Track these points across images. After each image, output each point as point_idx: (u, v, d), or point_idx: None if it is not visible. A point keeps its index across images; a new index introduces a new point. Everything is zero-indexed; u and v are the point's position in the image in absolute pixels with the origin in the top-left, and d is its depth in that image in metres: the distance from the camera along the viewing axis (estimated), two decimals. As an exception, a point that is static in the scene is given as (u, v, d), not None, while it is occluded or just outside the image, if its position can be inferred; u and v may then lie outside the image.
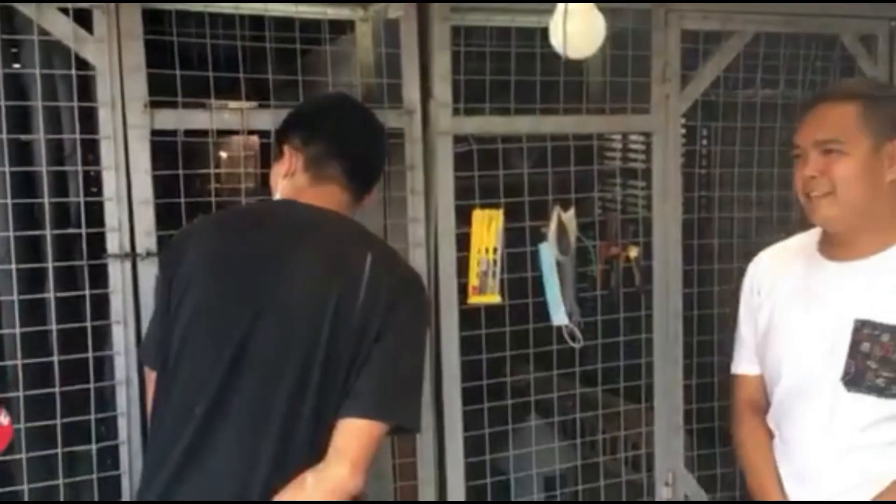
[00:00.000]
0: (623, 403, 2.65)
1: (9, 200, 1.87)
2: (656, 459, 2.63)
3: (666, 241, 2.57)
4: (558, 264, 2.35)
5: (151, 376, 1.64)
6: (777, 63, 2.63)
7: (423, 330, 1.59)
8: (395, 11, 2.14)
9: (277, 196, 1.68)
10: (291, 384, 1.46)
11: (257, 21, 2.25)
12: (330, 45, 2.31)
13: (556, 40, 1.77)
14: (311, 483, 1.42)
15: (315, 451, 1.45)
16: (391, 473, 2.44)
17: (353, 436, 1.44)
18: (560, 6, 1.72)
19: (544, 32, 2.36)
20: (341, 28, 2.37)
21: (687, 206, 2.61)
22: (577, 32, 1.70)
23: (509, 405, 2.46)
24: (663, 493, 2.61)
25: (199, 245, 1.57)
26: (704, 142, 2.98)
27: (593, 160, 2.51)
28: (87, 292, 1.94)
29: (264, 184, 2.64)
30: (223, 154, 2.78)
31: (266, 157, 2.66)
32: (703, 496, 2.66)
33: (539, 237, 2.38)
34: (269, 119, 2.13)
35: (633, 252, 2.51)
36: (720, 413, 2.59)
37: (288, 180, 1.66)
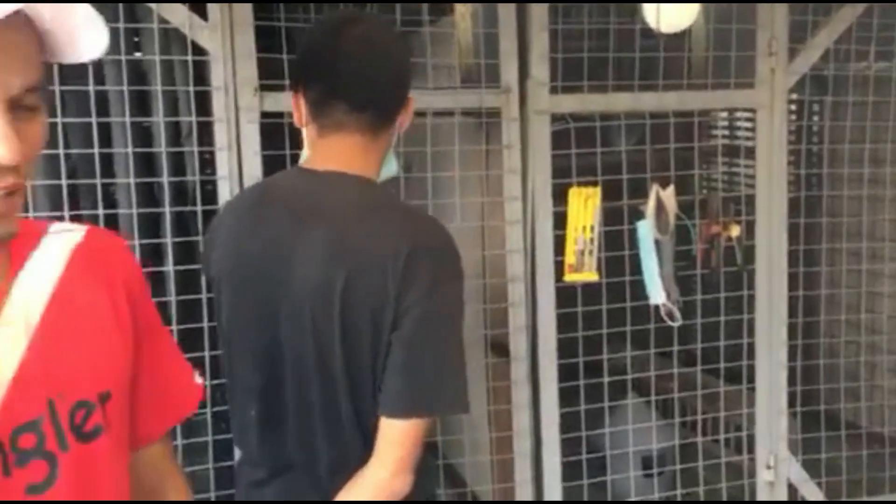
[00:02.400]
0: (723, 384, 2.62)
1: (132, 180, 2.00)
2: (757, 442, 2.59)
3: (770, 219, 2.51)
4: (657, 243, 2.34)
5: None
6: (893, 34, 2.52)
7: (449, 301, 1.34)
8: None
9: (303, 154, 1.52)
10: (323, 385, 1.36)
11: (359, 5, 2.32)
12: (430, 26, 2.36)
13: (649, 15, 1.74)
14: (355, 489, 1.34)
15: (367, 451, 1.35)
16: (488, 446, 2.50)
17: (390, 436, 1.32)
18: (653, -21, 1.69)
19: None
20: (441, 10, 2.41)
21: (794, 183, 2.54)
22: (671, 5, 1.66)
23: (606, 383, 2.47)
24: (764, 475, 2.57)
25: (223, 242, 1.46)
26: (816, 118, 2.88)
27: (694, 137, 2.48)
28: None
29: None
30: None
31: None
32: (807, 480, 2.60)
33: (637, 215, 2.37)
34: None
35: (735, 231, 2.46)
36: (827, 396, 2.53)
37: (306, 135, 1.47)
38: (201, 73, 2.08)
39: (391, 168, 1.51)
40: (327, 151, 1.41)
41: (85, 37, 0.80)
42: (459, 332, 1.36)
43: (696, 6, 1.75)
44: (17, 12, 0.74)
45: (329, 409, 1.36)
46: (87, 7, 0.77)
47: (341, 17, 1.53)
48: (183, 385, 1.06)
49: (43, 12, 0.76)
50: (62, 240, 0.93)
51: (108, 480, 0.90)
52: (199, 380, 1.08)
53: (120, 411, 0.93)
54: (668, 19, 1.67)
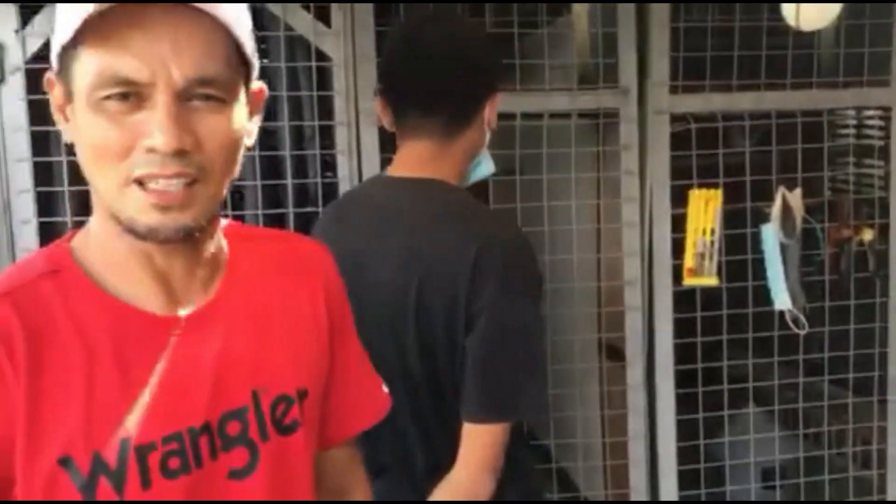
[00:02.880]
0: (852, 395, 2.50)
1: (258, 182, 2.07)
2: (889, 457, 2.45)
3: (906, 223, 2.38)
4: (782, 247, 2.25)
5: None
6: None
7: (522, 303, 1.31)
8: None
9: None
10: (407, 390, 1.35)
11: (476, 7, 2.33)
12: (546, 27, 2.35)
13: (787, 11, 1.66)
14: (439, 492, 1.33)
15: (456, 454, 1.33)
16: (601, 452, 2.46)
17: (471, 440, 1.31)
18: (792, -23, 1.62)
19: (771, 5, 2.26)
20: (557, 10, 2.40)
21: (931, 185, 2.40)
22: (811, 3, 1.59)
23: (725, 390, 2.39)
24: (896, 493, 2.44)
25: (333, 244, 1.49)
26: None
27: (823, 137, 2.37)
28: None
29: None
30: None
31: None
32: (944, 501, 2.45)
33: (761, 218, 2.29)
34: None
35: (868, 235, 2.34)
36: (968, 411, 2.37)
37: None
38: (323, 78, 2.14)
39: (483, 169, 1.48)
40: (405, 157, 1.42)
41: (245, 28, 0.83)
42: (535, 332, 1.33)
43: (837, 4, 1.66)
44: (188, 6, 0.77)
45: (416, 413, 1.37)
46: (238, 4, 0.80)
47: (417, 20, 1.52)
48: (371, 393, 1.09)
49: (215, 9, 0.78)
50: (266, 243, 0.98)
51: (301, 474, 0.95)
52: (386, 390, 1.11)
53: (314, 410, 0.97)
54: (808, 17, 1.60)
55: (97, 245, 0.86)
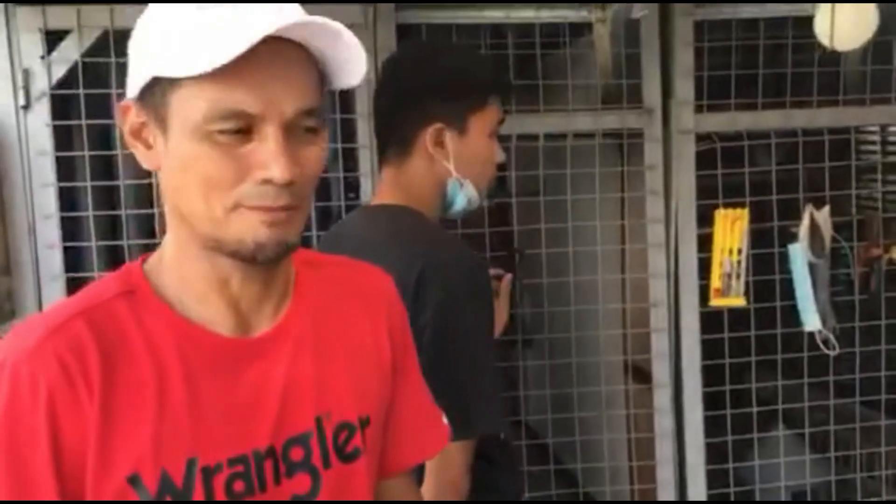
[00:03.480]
0: (884, 417, 2.45)
1: (281, 205, 2.07)
2: (923, 481, 2.40)
3: (937, 241, 2.34)
4: (811, 266, 2.21)
5: None
6: None
7: (463, 319, 1.31)
8: (638, 11, 2.13)
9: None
10: None
11: (498, 28, 2.33)
12: (569, 47, 2.34)
13: (822, 32, 1.65)
14: None
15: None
16: (628, 475, 2.43)
17: (428, 463, 1.27)
18: (830, -6, 1.60)
19: (796, 21, 2.25)
20: (579, 31, 2.39)
21: (962, 202, 2.36)
22: (847, 22, 1.57)
23: (755, 413, 2.36)
24: (932, 518, 2.38)
25: None
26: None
27: (851, 155, 2.35)
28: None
29: (499, 187, 2.75)
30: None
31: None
32: (982, 526, 2.39)
33: (789, 238, 2.26)
34: (510, 124, 2.19)
35: (898, 254, 2.31)
36: None
37: None
38: (346, 101, 2.14)
39: (459, 202, 1.46)
40: (379, 184, 1.50)
41: (351, 62, 0.84)
42: (480, 348, 1.32)
43: (875, 21, 1.64)
44: (289, 40, 0.79)
45: None
46: (349, 33, 0.81)
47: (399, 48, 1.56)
48: (432, 424, 1.09)
49: (314, 39, 0.81)
50: (332, 269, 0.99)
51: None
52: (445, 421, 1.11)
53: (375, 438, 0.97)
54: (843, 36, 1.58)
55: (171, 268, 0.88)
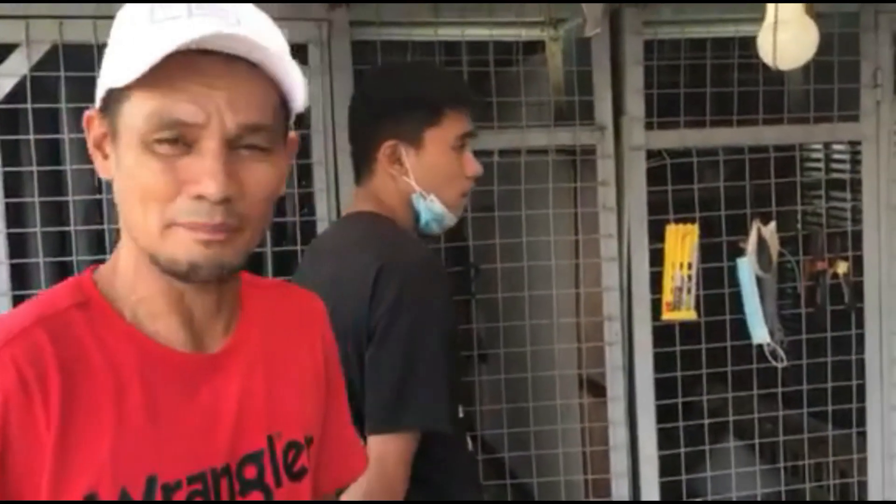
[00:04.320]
0: (831, 428, 2.51)
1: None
2: (869, 489, 2.46)
3: (879, 255, 2.41)
4: (759, 280, 2.26)
5: None
6: None
7: (415, 317, 1.35)
8: (591, 29, 2.17)
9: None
10: None
11: (452, 46, 2.35)
12: (522, 65, 2.37)
13: (765, 51, 1.70)
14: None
15: None
16: (583, 488, 2.44)
17: (371, 452, 1.28)
18: (770, 16, 1.65)
19: (741, 42, 2.31)
20: (532, 48, 2.42)
21: (903, 217, 2.44)
22: (789, 42, 1.62)
23: (706, 425, 2.39)
24: (877, 525, 2.44)
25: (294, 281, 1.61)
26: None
27: (796, 172, 2.41)
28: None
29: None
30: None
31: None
32: (925, 532, 2.45)
33: (737, 252, 2.31)
34: (465, 139, 2.22)
35: (842, 268, 2.37)
36: (944, 442, 2.39)
37: None
38: (300, 117, 2.13)
39: (424, 215, 1.50)
40: (353, 199, 1.58)
41: (295, 82, 0.83)
42: (431, 347, 1.36)
43: (815, 40, 1.69)
44: (246, 60, 0.79)
45: None
46: (282, 52, 0.81)
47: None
48: (355, 449, 1.10)
49: (255, 58, 0.80)
50: (271, 291, 0.99)
51: None
52: (366, 452, 1.13)
53: (315, 458, 0.97)
54: (785, 55, 1.63)
55: (124, 281, 0.86)
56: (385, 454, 1.32)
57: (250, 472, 0.88)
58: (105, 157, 0.85)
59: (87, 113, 0.86)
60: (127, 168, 0.80)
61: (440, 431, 1.37)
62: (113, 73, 0.80)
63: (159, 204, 0.79)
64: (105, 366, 0.81)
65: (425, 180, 1.47)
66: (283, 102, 0.84)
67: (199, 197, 0.78)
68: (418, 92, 1.49)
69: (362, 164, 1.51)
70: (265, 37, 0.81)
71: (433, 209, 1.49)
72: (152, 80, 0.77)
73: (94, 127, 0.85)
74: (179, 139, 0.78)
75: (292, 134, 0.90)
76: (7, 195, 1.95)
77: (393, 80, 1.55)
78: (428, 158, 1.47)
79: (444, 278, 1.44)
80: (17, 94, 1.95)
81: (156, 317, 0.85)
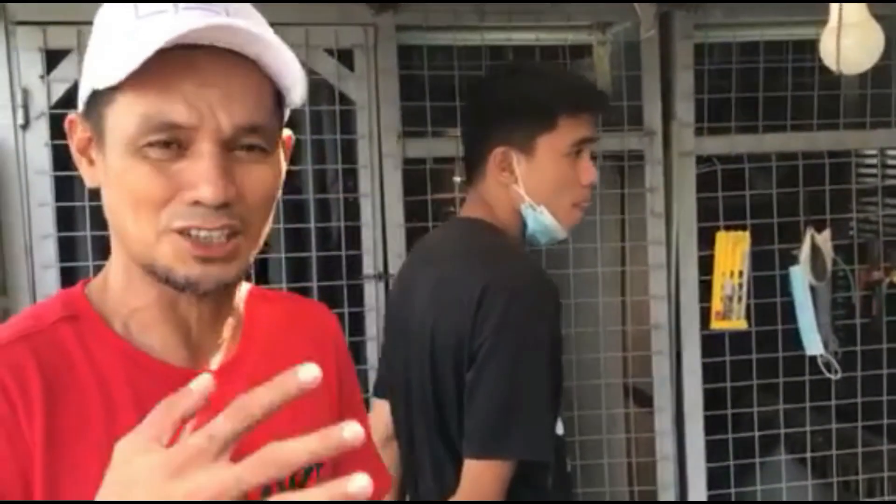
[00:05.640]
0: (886, 442, 2.43)
1: (281, 225, 2.06)
2: (927, 506, 2.38)
3: (938, 265, 2.33)
4: (812, 290, 2.20)
5: (378, 405, 1.65)
6: None
7: (521, 341, 1.31)
8: (645, 32, 2.14)
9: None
10: (426, 422, 1.41)
11: (498, 50, 2.33)
12: (569, 70, 2.34)
13: (827, 56, 1.65)
14: None
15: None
16: (629, 500, 2.40)
17: (466, 475, 1.31)
18: (833, 19, 1.60)
19: (796, 45, 2.26)
20: (579, 53, 2.39)
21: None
22: (853, 46, 1.57)
23: (756, 437, 2.33)
24: (936, 544, 2.36)
25: (395, 282, 1.62)
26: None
27: (850, 178, 2.35)
28: (345, 310, 2.09)
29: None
30: (456, 179, 2.90)
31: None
32: None
33: (789, 260, 2.25)
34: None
35: (899, 277, 2.30)
36: None
37: None
38: (347, 122, 2.13)
39: (532, 227, 1.45)
40: (464, 201, 1.55)
41: (291, 75, 0.78)
42: (536, 373, 1.31)
43: (881, 44, 1.63)
44: (235, 53, 0.75)
45: (429, 440, 1.41)
46: (278, 42, 0.76)
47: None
48: (375, 467, 1.04)
49: (252, 53, 0.76)
50: (279, 304, 0.95)
51: None
52: (388, 469, 1.09)
53: (327, 478, 0.93)
54: (850, 60, 1.58)
55: (116, 293, 0.82)
56: (482, 478, 1.30)
57: (254, 494, 0.84)
58: (91, 163, 0.81)
59: (69, 116, 0.82)
60: (116, 174, 0.76)
61: (540, 461, 1.33)
62: (97, 73, 0.76)
63: (153, 211, 0.75)
64: (95, 381, 0.77)
65: (536, 190, 1.41)
66: (279, 99, 0.80)
67: (196, 202, 0.74)
68: (531, 96, 1.42)
69: (473, 168, 1.47)
70: (262, 29, 0.75)
71: (542, 221, 1.43)
72: (140, 79, 0.72)
73: (76, 131, 0.81)
74: (172, 142, 0.74)
75: (287, 133, 0.85)
76: (58, 199, 1.97)
77: (507, 83, 1.47)
78: (539, 167, 1.41)
79: (552, 299, 1.37)
80: (68, 99, 1.97)
81: (149, 329, 0.81)
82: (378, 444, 1.53)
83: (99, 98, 0.76)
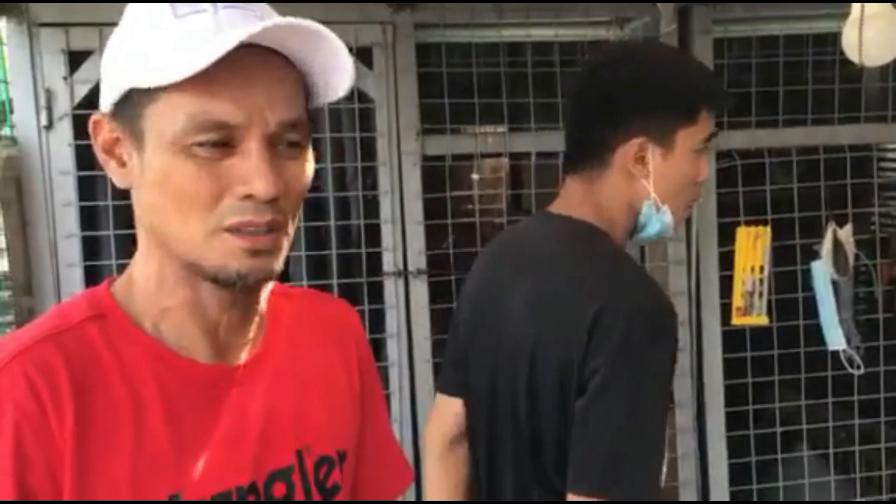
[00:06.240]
0: (910, 438, 2.41)
1: (301, 223, 2.06)
2: (951, 502, 2.36)
3: (962, 259, 2.31)
4: (834, 285, 2.19)
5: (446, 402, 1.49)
6: None
7: (641, 370, 1.17)
8: (665, 27, 2.13)
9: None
10: (514, 439, 1.30)
11: (516, 47, 2.33)
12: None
13: (850, 49, 1.63)
14: None
15: None
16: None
17: None
18: (855, 11, 1.59)
19: (816, 39, 2.24)
20: (597, 48, 2.38)
21: None
22: (876, 38, 1.55)
23: (778, 433, 2.32)
24: (961, 541, 2.33)
25: (465, 288, 1.46)
26: None
27: (872, 172, 2.33)
28: (366, 307, 2.09)
29: (515, 204, 2.74)
30: (475, 176, 2.91)
31: (516, 177, 2.75)
32: None
33: (811, 255, 2.24)
34: (529, 142, 2.21)
35: (923, 272, 2.28)
36: None
37: None
38: (366, 119, 2.14)
39: (649, 230, 1.33)
40: (563, 193, 1.36)
41: (338, 70, 0.79)
42: (653, 406, 1.18)
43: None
44: (274, 51, 0.76)
45: (516, 459, 1.30)
46: (333, 36, 0.76)
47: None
48: (397, 462, 1.05)
49: (293, 43, 0.76)
50: (301, 301, 0.96)
51: None
52: (408, 462, 1.08)
53: (350, 473, 0.94)
54: (872, 52, 1.56)
55: (145, 291, 0.82)
56: None
57: (279, 490, 0.84)
58: (120, 163, 0.81)
59: (93, 117, 0.82)
60: (159, 174, 0.76)
61: (645, 501, 1.19)
62: (140, 72, 0.75)
63: (203, 210, 0.75)
64: (122, 380, 0.78)
65: (664, 186, 1.29)
66: (306, 93, 0.81)
67: (248, 197, 0.75)
68: (677, 85, 1.29)
69: (592, 159, 1.30)
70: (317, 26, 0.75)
71: (664, 220, 1.31)
72: (187, 81, 0.72)
73: (102, 131, 0.81)
74: (220, 141, 0.75)
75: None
76: (82, 199, 1.99)
77: (646, 69, 1.31)
78: (674, 162, 1.28)
79: (673, 323, 1.22)
80: (91, 100, 1.99)
81: (179, 329, 0.82)
82: (442, 441, 1.45)
83: (137, 97, 0.76)
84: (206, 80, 0.72)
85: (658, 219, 1.31)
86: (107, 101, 0.80)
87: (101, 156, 0.82)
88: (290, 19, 0.74)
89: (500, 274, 1.35)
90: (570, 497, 1.18)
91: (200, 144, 0.74)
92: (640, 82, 1.29)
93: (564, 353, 1.20)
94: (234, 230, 0.76)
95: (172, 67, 0.72)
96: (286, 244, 0.80)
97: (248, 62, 0.74)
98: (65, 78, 1.97)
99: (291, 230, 0.81)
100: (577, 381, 1.19)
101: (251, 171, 0.75)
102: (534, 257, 1.31)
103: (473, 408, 1.39)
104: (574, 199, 1.33)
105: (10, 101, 1.99)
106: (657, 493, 1.20)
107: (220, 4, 0.76)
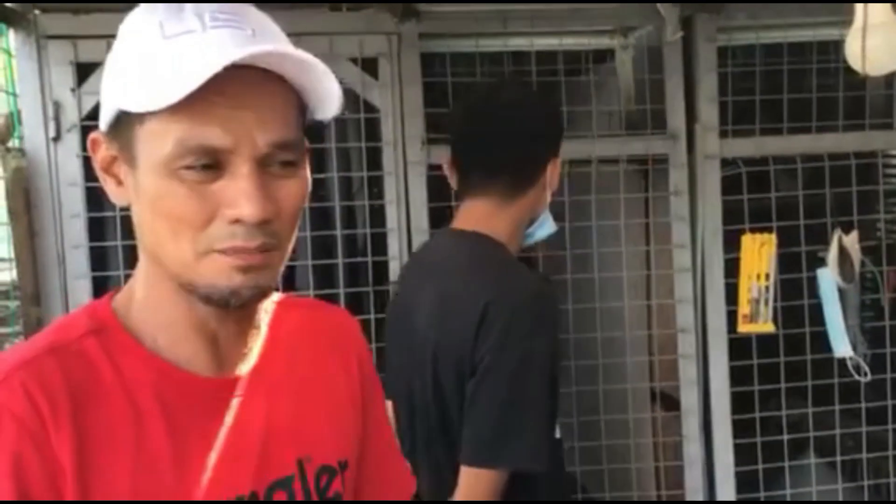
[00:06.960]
0: (918, 445, 2.40)
1: (307, 232, 2.08)
2: (960, 510, 2.35)
3: (968, 265, 2.31)
4: (840, 292, 2.19)
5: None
6: None
7: (523, 354, 1.35)
8: (670, 35, 2.13)
9: None
10: (426, 429, 1.47)
11: (521, 55, 2.34)
12: (592, 74, 2.34)
13: (853, 57, 1.64)
14: None
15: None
16: (656, 504, 2.39)
17: (461, 482, 1.37)
18: (858, 19, 1.60)
19: (820, 46, 2.25)
20: (602, 57, 2.40)
21: None
22: (879, 46, 1.56)
23: (785, 441, 2.32)
24: (970, 548, 2.33)
25: (396, 293, 1.67)
26: None
27: (877, 179, 2.33)
28: (371, 316, 2.10)
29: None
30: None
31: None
32: None
33: (817, 262, 2.24)
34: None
35: (929, 278, 2.28)
36: None
37: None
38: (372, 129, 2.15)
39: (545, 229, 1.59)
40: (466, 213, 1.53)
41: (327, 94, 0.78)
42: (535, 386, 1.36)
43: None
44: (265, 70, 0.75)
45: (432, 449, 1.45)
46: (317, 62, 0.75)
47: (483, 88, 1.70)
48: (400, 470, 1.05)
49: (286, 67, 0.75)
50: (300, 310, 0.96)
51: None
52: (410, 470, 1.08)
53: (352, 482, 0.94)
54: (875, 60, 1.57)
55: (145, 306, 0.83)
56: (476, 486, 1.35)
57: (279, 498, 0.84)
58: (118, 182, 0.80)
59: (91, 135, 0.82)
60: (150, 195, 0.76)
61: (535, 471, 1.38)
62: (128, 95, 0.75)
63: (193, 231, 0.75)
64: (122, 393, 0.78)
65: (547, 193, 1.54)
66: (302, 110, 0.80)
67: (236, 221, 0.74)
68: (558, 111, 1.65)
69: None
70: (300, 52, 0.75)
71: (551, 223, 1.59)
72: (174, 104, 0.71)
73: (100, 150, 0.81)
74: (209, 164, 0.74)
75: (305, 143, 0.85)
76: (90, 210, 2.01)
77: (545, 102, 1.64)
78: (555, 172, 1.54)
79: (553, 315, 1.45)
80: (99, 112, 2.01)
81: (178, 343, 0.82)
82: None
83: (127, 119, 0.76)
84: (193, 103, 0.71)
85: (549, 218, 1.57)
86: (103, 120, 0.80)
87: (99, 174, 0.83)
88: (272, 47, 0.73)
89: (411, 287, 1.56)
90: (463, 468, 1.36)
91: (189, 168, 0.74)
92: (551, 113, 1.58)
93: (460, 345, 1.38)
94: (224, 252, 0.76)
95: (158, 94, 0.71)
96: (281, 261, 0.80)
97: (237, 83, 0.73)
98: (73, 90, 1.99)
99: (288, 247, 0.81)
100: (469, 368, 1.37)
101: (239, 194, 0.74)
102: (437, 268, 1.51)
103: (398, 409, 1.53)
104: (480, 217, 1.49)
105: (19, 112, 2.01)
106: (539, 466, 1.36)
107: (210, 23, 0.74)
